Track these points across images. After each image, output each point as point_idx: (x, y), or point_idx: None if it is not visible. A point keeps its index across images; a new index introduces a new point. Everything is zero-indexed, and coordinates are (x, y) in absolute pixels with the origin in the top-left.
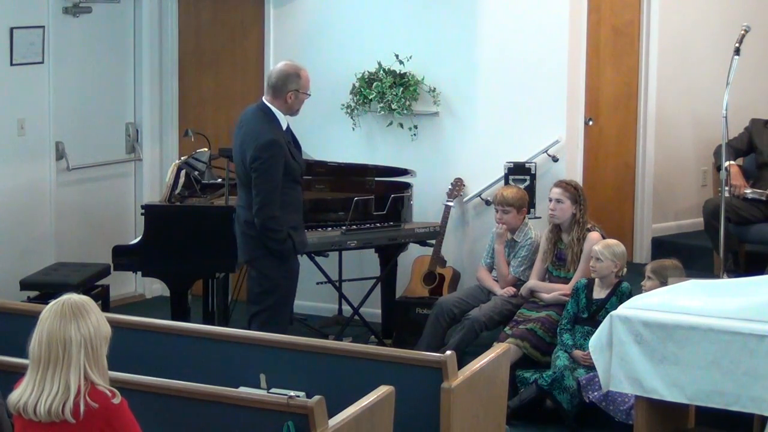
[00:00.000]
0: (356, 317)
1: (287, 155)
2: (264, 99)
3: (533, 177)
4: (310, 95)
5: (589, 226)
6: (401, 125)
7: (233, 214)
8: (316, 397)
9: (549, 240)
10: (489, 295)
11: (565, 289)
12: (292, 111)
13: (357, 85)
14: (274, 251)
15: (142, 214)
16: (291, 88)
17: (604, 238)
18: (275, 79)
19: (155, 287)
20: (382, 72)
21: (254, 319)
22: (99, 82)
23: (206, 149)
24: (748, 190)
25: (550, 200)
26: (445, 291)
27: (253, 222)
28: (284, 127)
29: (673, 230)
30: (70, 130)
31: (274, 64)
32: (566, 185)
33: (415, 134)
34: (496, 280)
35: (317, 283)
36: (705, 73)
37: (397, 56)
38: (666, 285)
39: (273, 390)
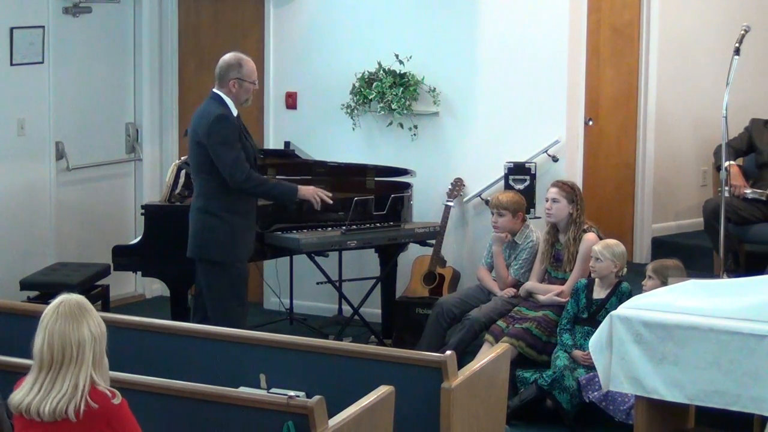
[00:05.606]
0: (356, 317)
1: (240, 135)
2: (213, 89)
3: (533, 177)
4: (255, 84)
5: (585, 226)
6: (401, 125)
7: None
8: (316, 397)
9: (546, 241)
10: (489, 295)
11: (559, 289)
12: (239, 100)
13: (357, 85)
14: (278, 198)
15: (142, 214)
16: (232, 76)
17: (601, 239)
18: (218, 68)
19: (155, 287)
20: (382, 72)
21: (205, 323)
22: (99, 82)
23: None
24: (748, 190)
25: (547, 200)
26: (445, 291)
27: (205, 209)
28: (235, 115)
29: (673, 230)
30: (70, 130)
31: (275, 64)
32: (562, 185)
33: (415, 134)
34: (496, 281)
35: (317, 283)
36: (705, 73)
37: (397, 56)
38: (667, 285)
39: (273, 390)
